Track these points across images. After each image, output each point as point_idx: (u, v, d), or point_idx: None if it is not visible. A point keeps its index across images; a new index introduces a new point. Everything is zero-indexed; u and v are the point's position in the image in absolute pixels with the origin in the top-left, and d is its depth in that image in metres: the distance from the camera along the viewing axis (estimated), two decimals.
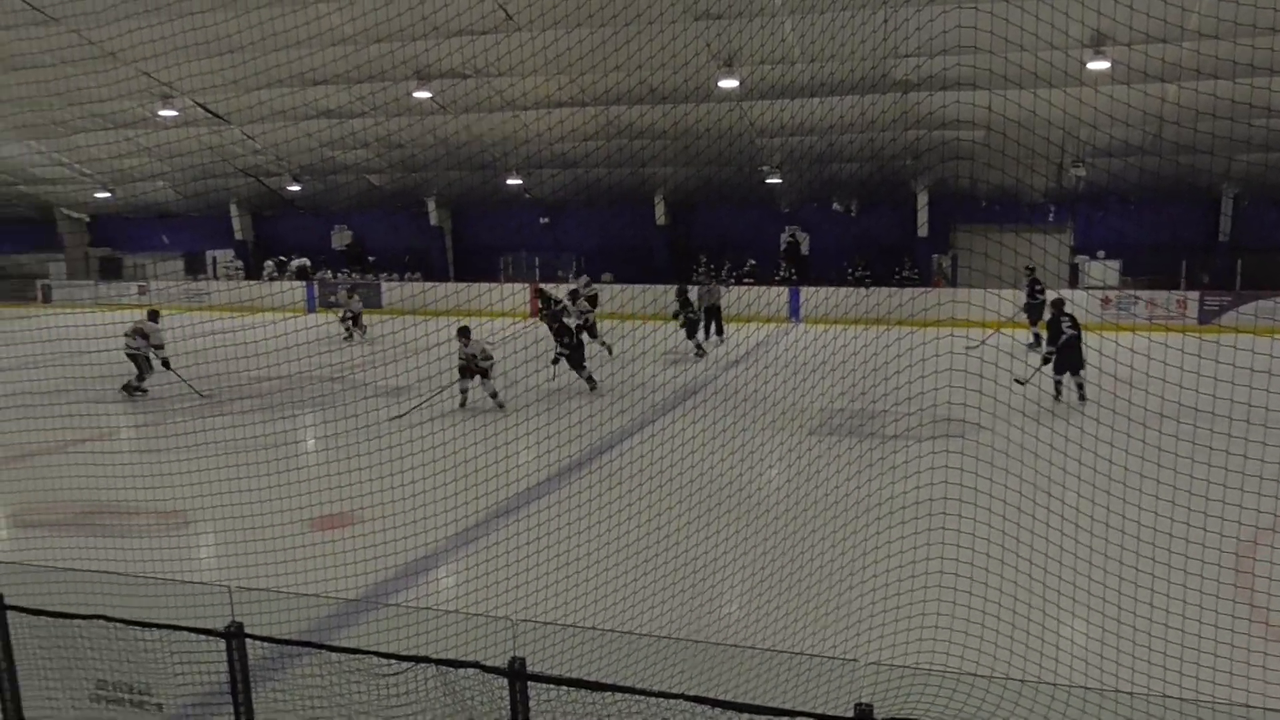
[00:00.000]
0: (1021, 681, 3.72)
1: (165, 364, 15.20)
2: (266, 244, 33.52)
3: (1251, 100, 15.54)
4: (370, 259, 32.20)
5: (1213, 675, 5.29)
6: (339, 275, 31.66)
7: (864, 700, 3.35)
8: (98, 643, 6.24)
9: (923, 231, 26.29)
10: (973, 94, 11.87)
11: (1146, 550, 6.46)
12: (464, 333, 13.88)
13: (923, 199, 26.00)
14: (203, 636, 4.36)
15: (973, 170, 20.82)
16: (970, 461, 6.36)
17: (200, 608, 4.63)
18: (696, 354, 18.87)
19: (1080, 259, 25.31)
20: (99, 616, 6.12)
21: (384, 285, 29.95)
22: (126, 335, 15.22)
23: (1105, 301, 22.84)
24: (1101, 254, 25.07)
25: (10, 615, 4.68)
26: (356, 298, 24.35)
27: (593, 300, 20.87)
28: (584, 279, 24.74)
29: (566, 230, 30.37)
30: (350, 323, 23.60)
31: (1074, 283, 24.55)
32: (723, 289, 22.64)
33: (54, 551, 7.39)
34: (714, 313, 20.77)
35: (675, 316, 19.11)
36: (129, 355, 15.16)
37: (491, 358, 13.81)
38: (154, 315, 15.58)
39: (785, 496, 9.67)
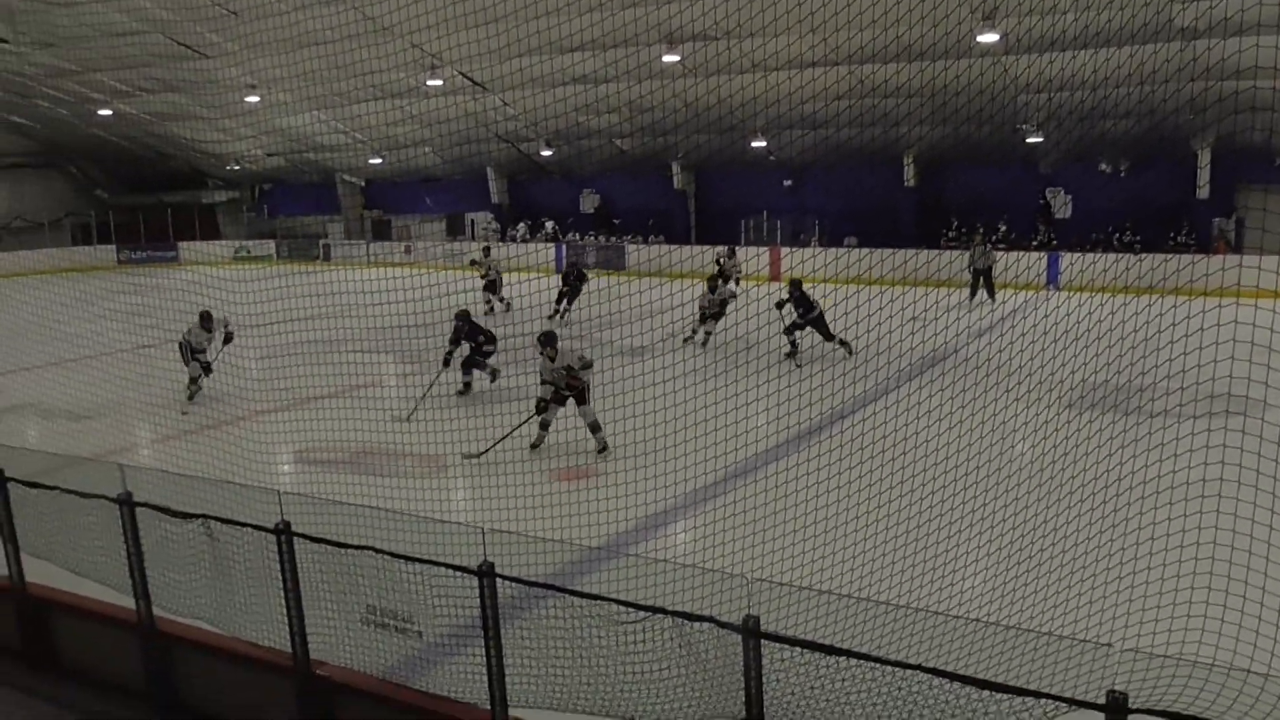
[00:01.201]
0: None
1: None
2: (521, 207, 35.15)
3: None
4: (616, 221, 33.07)
5: None
6: (587, 237, 32.76)
7: (1118, 688, 3.14)
8: (368, 572, 6.83)
9: (1203, 193, 23.97)
10: (1274, 38, 10.57)
11: None
12: (547, 340, 10.51)
13: (1204, 157, 23.67)
14: (458, 573, 4.67)
15: (1269, 122, 18.68)
16: (1252, 441, 5.76)
17: (456, 546, 4.96)
18: (788, 354, 15.40)
19: None
20: (369, 548, 6.70)
21: (628, 247, 30.69)
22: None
23: None
24: None
25: (296, 542, 5.19)
26: (493, 260, 21.72)
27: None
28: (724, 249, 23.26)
29: (810, 193, 29.92)
30: (490, 291, 20.91)
31: None
32: (996, 253, 22.56)
33: (332, 486, 8.13)
34: (985, 275, 21.61)
35: (780, 306, 15.43)
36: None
37: (591, 364, 10.51)
38: None
39: (1037, 471, 9.17)
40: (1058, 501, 7.78)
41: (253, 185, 41.16)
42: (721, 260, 21.64)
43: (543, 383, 10.46)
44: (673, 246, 28.38)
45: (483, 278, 21.14)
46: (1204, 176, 23.84)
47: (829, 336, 15.28)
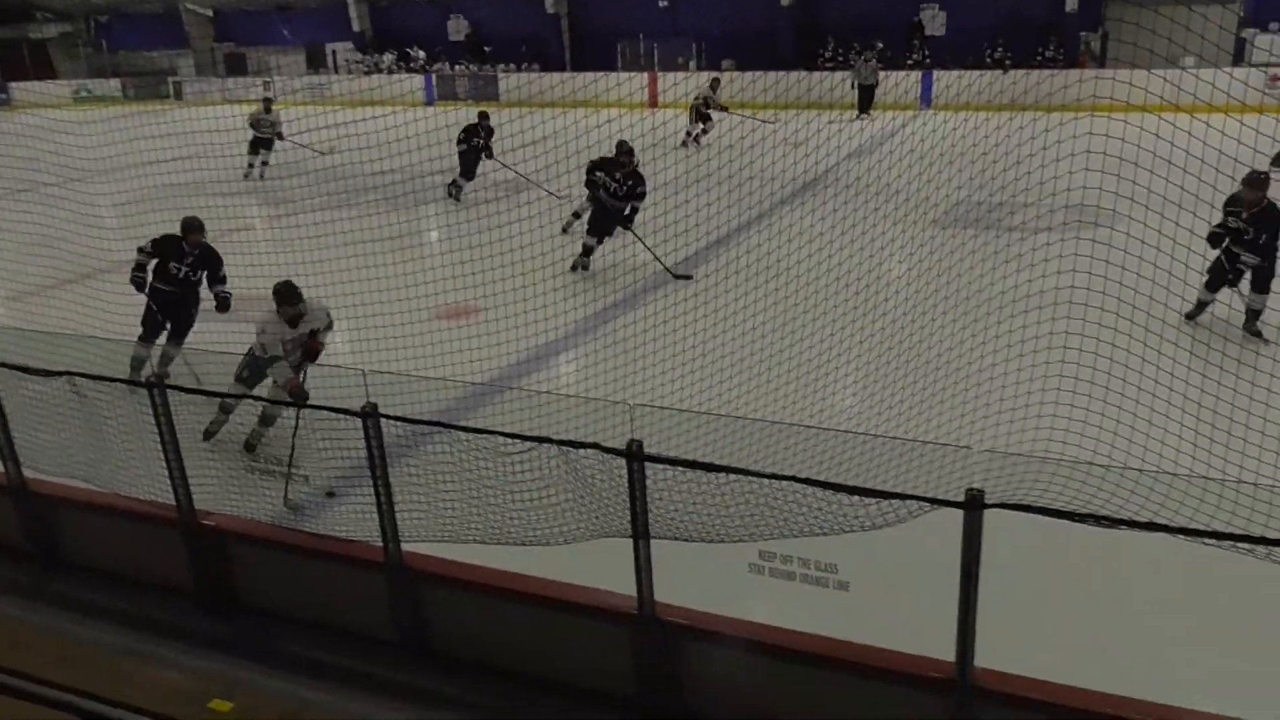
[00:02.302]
0: (1139, 471, 3.67)
1: (279, 136, 17.33)
2: (385, 35, 33.29)
3: None
4: (487, 49, 31.69)
5: None
6: (457, 67, 31.37)
7: (975, 486, 3.37)
8: (248, 421, 6.75)
9: (1072, 5, 24.22)
10: None
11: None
12: (288, 296, 6.41)
13: None
14: (343, 416, 4.64)
15: None
16: (1105, 251, 6.07)
17: (340, 389, 4.91)
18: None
19: (1249, 32, 22.98)
20: (248, 395, 6.60)
21: (500, 76, 29.56)
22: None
23: (1274, 80, 20.88)
24: (1275, 26, 22.70)
25: (170, 395, 5.05)
26: (275, 117, 17.47)
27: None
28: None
29: (686, 14, 29.10)
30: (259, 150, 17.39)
31: (1239, 58, 22.42)
32: (881, 72, 23.08)
33: (204, 336, 7.89)
34: (869, 92, 22.48)
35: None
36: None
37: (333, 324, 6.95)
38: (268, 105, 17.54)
39: (906, 287, 9.51)
40: (926, 315, 8.10)
41: (87, 16, 37.77)
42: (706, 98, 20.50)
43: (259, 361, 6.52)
44: (548, 75, 27.48)
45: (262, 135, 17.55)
46: None
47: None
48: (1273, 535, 3.07)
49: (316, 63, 34.43)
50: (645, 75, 27.50)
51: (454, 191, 14.78)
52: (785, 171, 13.00)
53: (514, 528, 4.75)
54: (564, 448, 4.50)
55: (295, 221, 12.57)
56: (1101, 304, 5.86)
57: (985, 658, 3.58)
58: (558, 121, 8.72)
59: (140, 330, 7.97)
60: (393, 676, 4.74)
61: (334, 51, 34.07)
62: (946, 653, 3.60)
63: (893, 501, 3.49)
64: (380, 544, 4.67)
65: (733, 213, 12.43)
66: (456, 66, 31.40)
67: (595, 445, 4.07)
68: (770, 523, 3.78)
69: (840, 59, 26.28)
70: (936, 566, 3.61)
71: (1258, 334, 7.94)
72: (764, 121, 16.73)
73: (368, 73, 31.60)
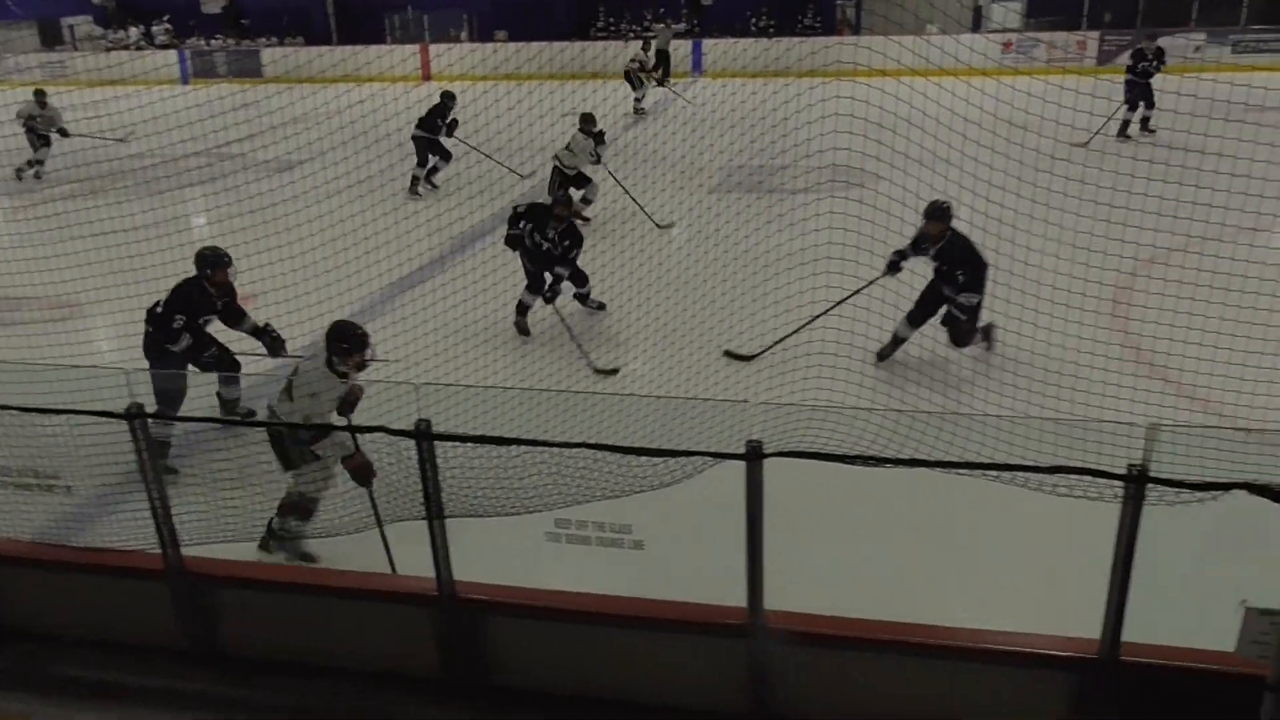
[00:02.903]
0: (899, 411, 3.95)
1: (63, 132, 14.63)
2: (127, 6, 30.83)
3: None
4: (245, 22, 29.96)
5: (1086, 399, 5.70)
6: (213, 42, 29.52)
7: (754, 437, 3.53)
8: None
9: None
10: None
11: (1031, 289, 6.77)
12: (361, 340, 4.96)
13: None
14: (105, 420, 4.32)
15: None
16: (867, 210, 6.46)
17: (101, 391, 4.57)
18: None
19: (983, 1, 24.85)
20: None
21: (263, 51, 28.04)
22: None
23: (1007, 46, 22.67)
24: None
25: None
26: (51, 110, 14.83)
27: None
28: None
29: None
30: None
31: (976, 26, 24.21)
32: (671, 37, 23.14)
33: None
34: (665, 58, 22.11)
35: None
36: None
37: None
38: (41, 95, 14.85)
39: (685, 256, 9.78)
40: (705, 282, 8.36)
41: None
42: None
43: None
44: (315, 49, 26.28)
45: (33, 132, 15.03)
46: None
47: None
48: (1015, 462, 3.38)
49: (51, 39, 31.53)
50: (416, 47, 26.79)
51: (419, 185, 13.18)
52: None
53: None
54: (347, 434, 4.39)
55: (38, 213, 11.57)
56: (858, 258, 6.25)
57: (776, 599, 3.77)
58: (319, 96, 8.40)
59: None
60: (181, 686, 4.50)
61: (71, 26, 31.29)
62: (741, 599, 3.77)
63: (680, 459, 3.61)
64: (159, 550, 4.41)
65: (528, 184, 12.41)
66: (213, 41, 29.54)
67: (381, 428, 3.99)
68: (564, 490, 3.83)
69: (613, 28, 26.49)
70: (726, 517, 3.76)
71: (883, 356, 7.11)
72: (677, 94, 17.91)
73: (110, 49, 29.20)
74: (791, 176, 9.48)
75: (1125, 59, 14.08)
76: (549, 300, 7.84)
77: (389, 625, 4.39)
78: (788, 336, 6.70)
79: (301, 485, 4.80)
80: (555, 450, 3.73)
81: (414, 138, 12.98)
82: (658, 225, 10.45)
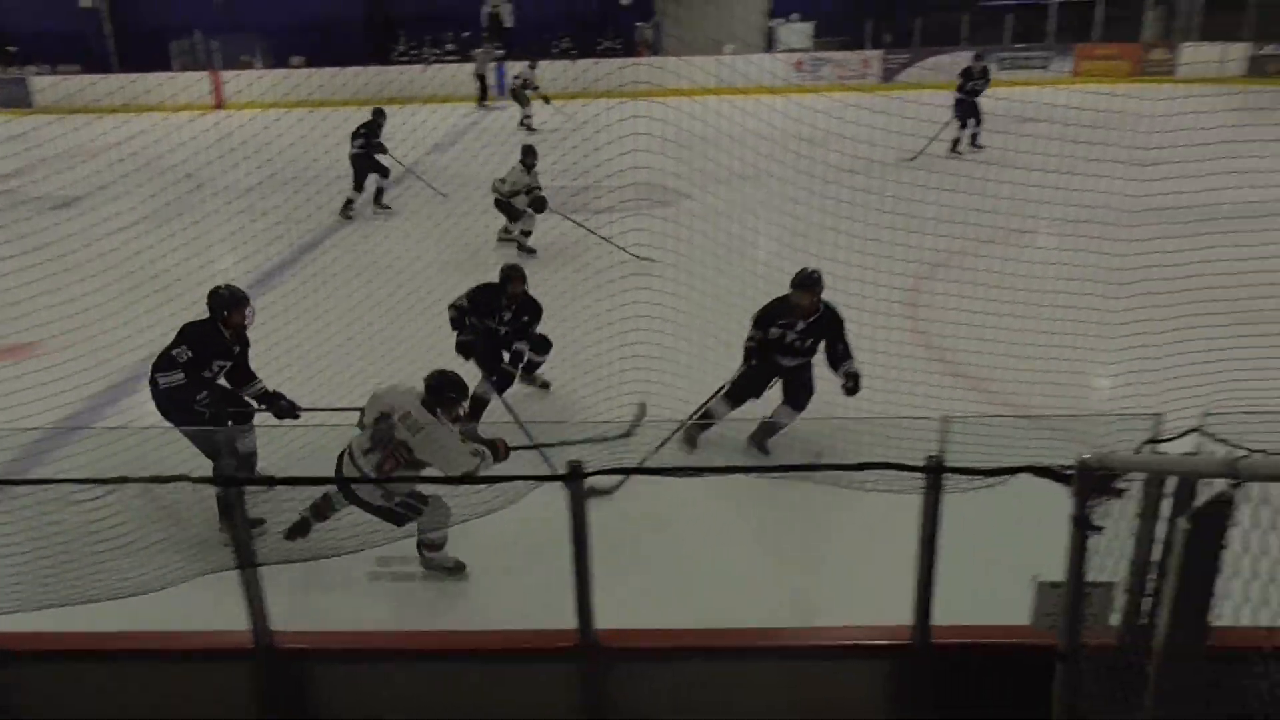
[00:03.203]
0: (715, 423, 4.04)
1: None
2: None
3: None
4: (12, 50, 27.83)
5: (885, 396, 6.01)
6: None
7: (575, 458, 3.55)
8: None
9: None
10: None
11: (830, 296, 7.09)
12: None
13: None
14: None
15: None
16: (671, 226, 6.62)
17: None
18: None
19: (775, 22, 25.94)
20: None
21: (33, 80, 26.12)
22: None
23: (798, 65, 23.74)
24: (795, 16, 25.77)
25: None
26: None
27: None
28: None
29: (245, 8, 27.43)
30: None
31: (769, 46, 25.23)
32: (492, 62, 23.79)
33: None
34: (483, 81, 22.97)
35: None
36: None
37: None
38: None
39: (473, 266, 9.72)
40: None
41: None
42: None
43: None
44: (90, 76, 24.69)
45: None
46: None
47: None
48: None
49: None
50: (204, 73, 25.62)
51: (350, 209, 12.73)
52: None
53: (103, 578, 4.29)
54: (148, 484, 4.13)
55: None
56: (663, 274, 6.38)
57: (609, 618, 3.79)
58: (95, 127, 7.90)
59: None
60: None
61: None
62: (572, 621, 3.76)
63: (504, 485, 3.58)
64: None
65: (323, 214, 12.05)
66: None
67: (184, 477, 3.78)
68: (384, 528, 3.74)
69: (414, 53, 26.16)
70: (553, 541, 3.75)
71: (764, 449, 6.04)
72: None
73: None
74: (595, 196, 9.59)
75: (955, 77, 14.77)
76: (519, 378, 6.84)
77: (206, 683, 4.15)
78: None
79: (424, 526, 4.46)
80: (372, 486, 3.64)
81: (352, 157, 12.61)
82: (637, 258, 8.46)
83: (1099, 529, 2.85)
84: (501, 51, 24.96)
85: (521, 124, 19.72)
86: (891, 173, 7.79)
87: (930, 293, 8.25)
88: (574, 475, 3.52)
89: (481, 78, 23.25)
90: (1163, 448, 3.67)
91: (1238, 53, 21.20)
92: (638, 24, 26.35)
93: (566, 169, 7.38)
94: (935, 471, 3.38)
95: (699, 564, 5.11)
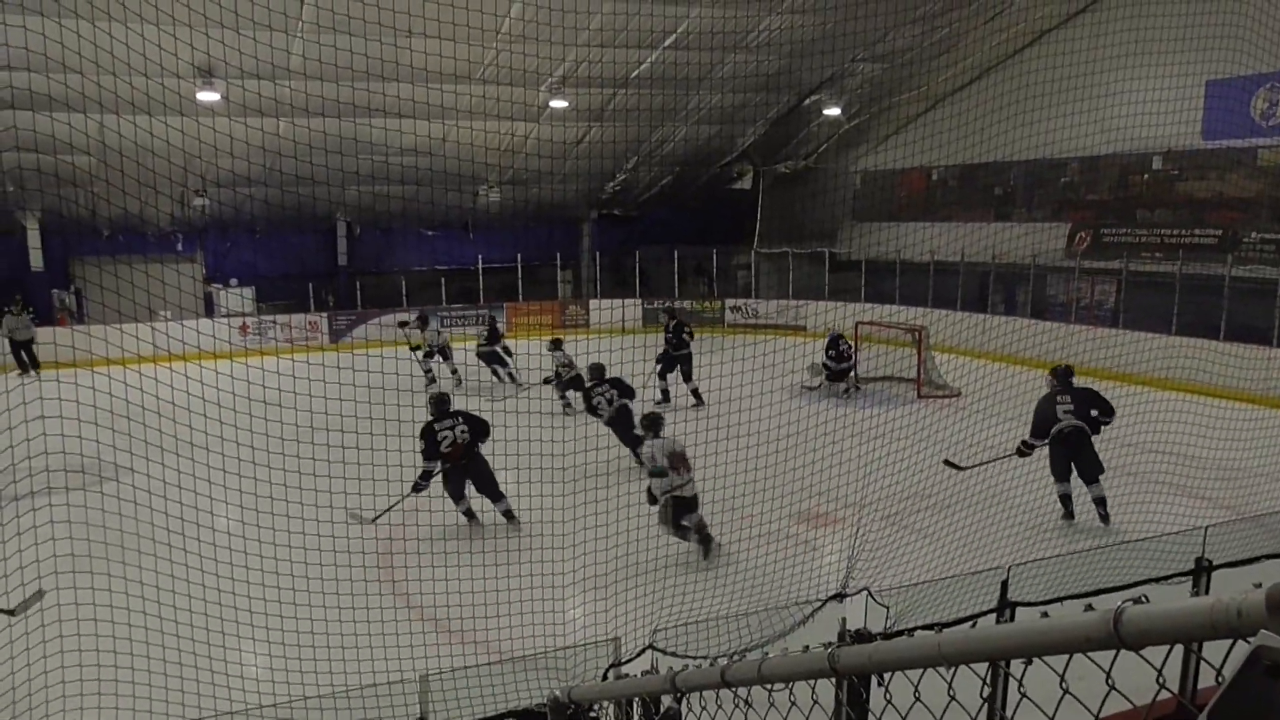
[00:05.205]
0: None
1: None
2: None
3: (356, 136, 17.00)
4: None
5: (370, 655, 5.75)
6: None
7: None
8: None
9: (37, 264, 23.76)
10: (76, 116, 10.66)
11: (311, 569, 6.68)
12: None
13: (34, 230, 23.54)
14: None
15: (88, 198, 19.47)
16: (115, 503, 5.88)
17: None
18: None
19: (214, 288, 25.41)
20: None
21: None
22: None
23: (244, 329, 23.31)
24: (234, 282, 25.48)
25: None
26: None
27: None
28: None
29: None
30: None
31: (209, 311, 24.55)
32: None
33: None
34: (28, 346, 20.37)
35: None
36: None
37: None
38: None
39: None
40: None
41: None
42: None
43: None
44: None
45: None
46: (36, 247, 23.63)
47: None
48: None
49: None
50: None
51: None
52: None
53: None
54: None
55: None
56: (124, 572, 5.66)
57: None
58: None
59: None
60: None
61: None
62: None
63: None
64: None
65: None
66: None
67: None
68: None
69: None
70: None
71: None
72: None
73: None
74: (8, 482, 8.26)
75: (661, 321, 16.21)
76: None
77: None
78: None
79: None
80: None
81: (481, 354, 17.38)
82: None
83: None
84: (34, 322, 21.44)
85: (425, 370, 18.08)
86: (343, 427, 7.70)
87: (404, 552, 8.17)
88: None
89: (18, 344, 20.52)
90: (625, 668, 3.94)
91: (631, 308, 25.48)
92: (54, 290, 24.13)
93: None
94: None
95: None
